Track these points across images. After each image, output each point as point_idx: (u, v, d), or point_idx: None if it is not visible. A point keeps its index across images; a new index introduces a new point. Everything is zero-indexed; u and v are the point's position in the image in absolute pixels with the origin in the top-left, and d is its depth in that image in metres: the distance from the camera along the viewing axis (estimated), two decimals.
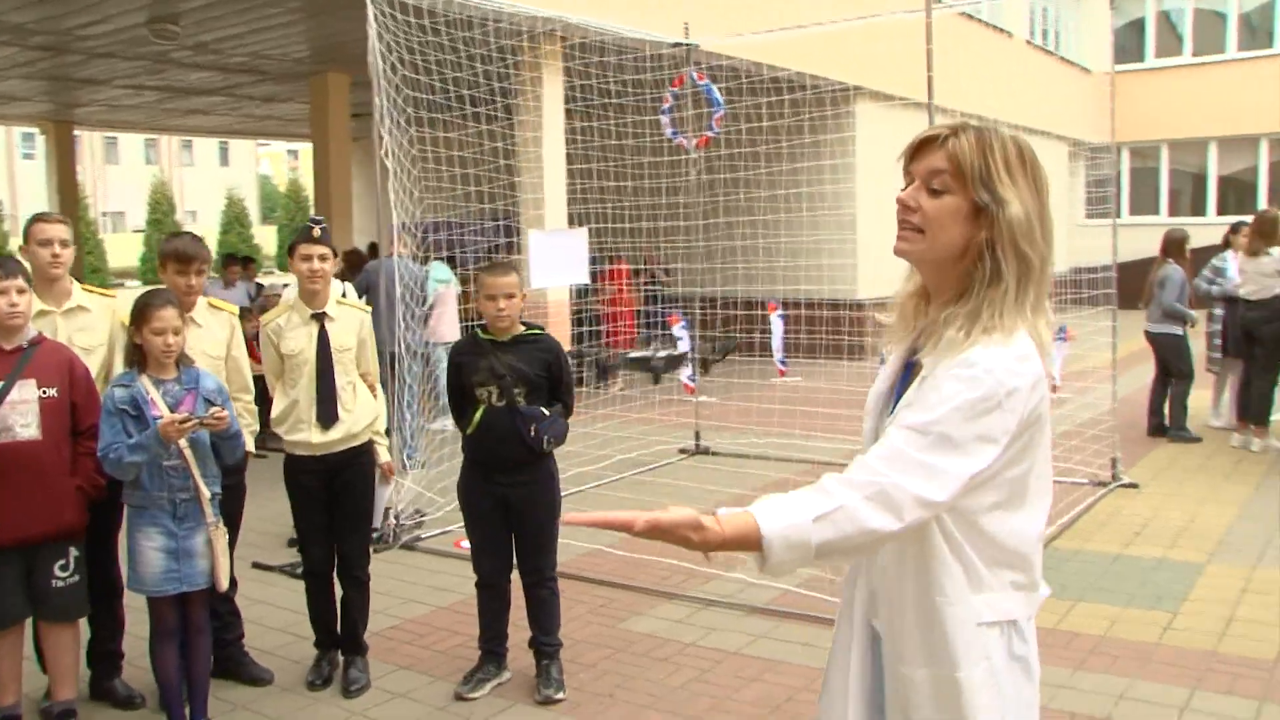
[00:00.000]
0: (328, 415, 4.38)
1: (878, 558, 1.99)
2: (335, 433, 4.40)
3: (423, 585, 5.90)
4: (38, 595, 4.02)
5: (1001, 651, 1.89)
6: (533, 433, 4.29)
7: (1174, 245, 8.85)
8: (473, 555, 4.55)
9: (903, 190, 1.97)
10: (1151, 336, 8.91)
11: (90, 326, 4.40)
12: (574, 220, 10.68)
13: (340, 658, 4.69)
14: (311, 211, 49.76)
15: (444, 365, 10.03)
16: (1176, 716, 4.07)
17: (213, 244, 47.94)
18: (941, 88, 15.29)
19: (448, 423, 9.48)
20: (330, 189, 12.61)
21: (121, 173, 53.81)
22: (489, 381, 4.33)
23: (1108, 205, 8.22)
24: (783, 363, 13.94)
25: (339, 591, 4.68)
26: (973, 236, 1.87)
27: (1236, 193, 21.66)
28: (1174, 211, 21.95)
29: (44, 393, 3.94)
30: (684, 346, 10.34)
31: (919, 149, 1.94)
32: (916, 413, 1.80)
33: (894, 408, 2.00)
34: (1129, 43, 21.41)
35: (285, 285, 13.14)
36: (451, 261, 10.71)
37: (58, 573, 4.02)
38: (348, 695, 4.49)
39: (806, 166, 14.07)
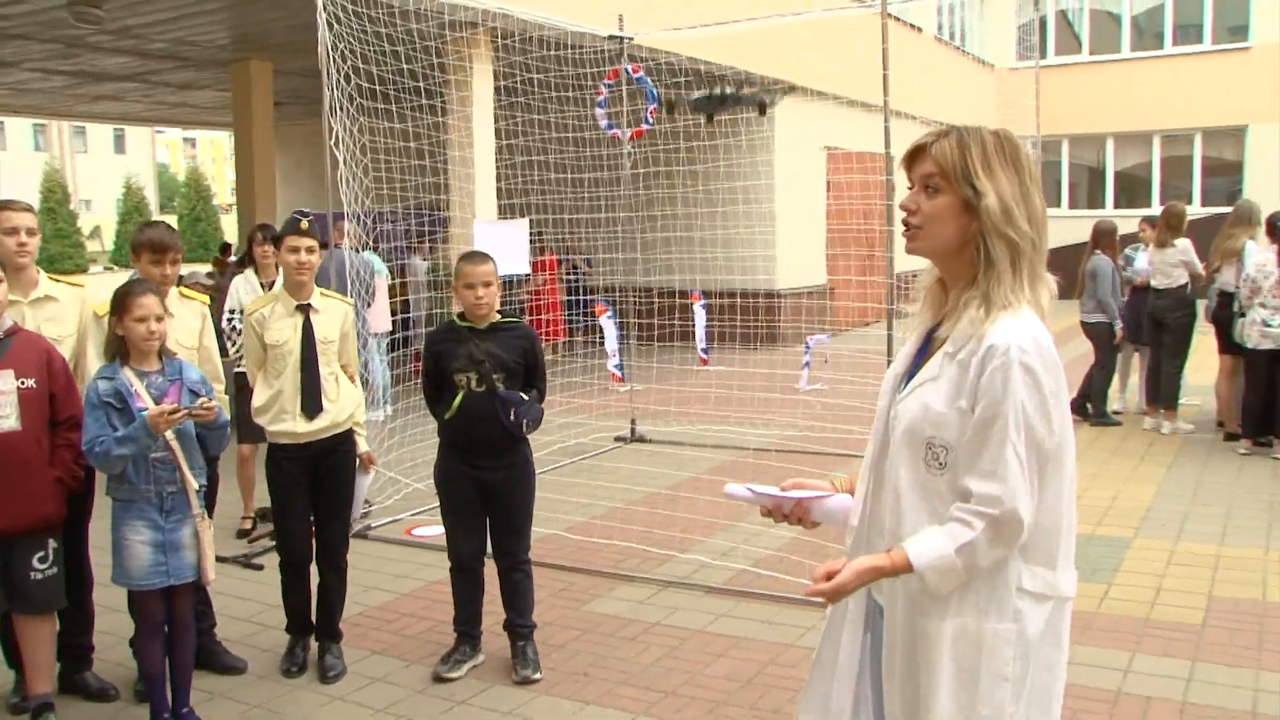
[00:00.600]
0: (312, 406, 4.41)
1: (894, 533, 2.15)
2: (319, 422, 4.44)
3: (381, 573, 5.94)
4: (14, 588, 3.99)
5: (1039, 619, 2.06)
6: (512, 416, 4.39)
7: (1104, 236, 9.26)
8: (449, 539, 4.62)
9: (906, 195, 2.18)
10: (1086, 326, 9.30)
11: (59, 317, 4.37)
12: (504, 211, 10.72)
13: (313, 644, 4.73)
14: (216, 200, 48.54)
15: (374, 355, 10.03)
16: (1121, 678, 4.35)
17: (110, 234, 46.54)
18: (859, 80, 15.63)
19: (378, 414, 9.48)
20: (254, 177, 12.42)
21: (8, 160, 51.76)
22: (468, 368, 4.41)
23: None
24: (704, 351, 14.21)
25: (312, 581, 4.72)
26: (968, 228, 2.08)
27: (1131, 187, 22.60)
28: (1073, 204, 22.79)
29: (22, 383, 3.91)
30: (611, 336, 10.45)
31: (913, 156, 2.15)
32: (983, 411, 2.00)
33: (906, 384, 2.20)
34: (1030, 40, 22.07)
35: (207, 274, 12.93)
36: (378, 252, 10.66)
37: (36, 564, 4.00)
38: (326, 681, 4.53)
39: (729, 160, 14.31)
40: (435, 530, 6.67)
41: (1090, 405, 9.40)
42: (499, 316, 4.51)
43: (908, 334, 2.36)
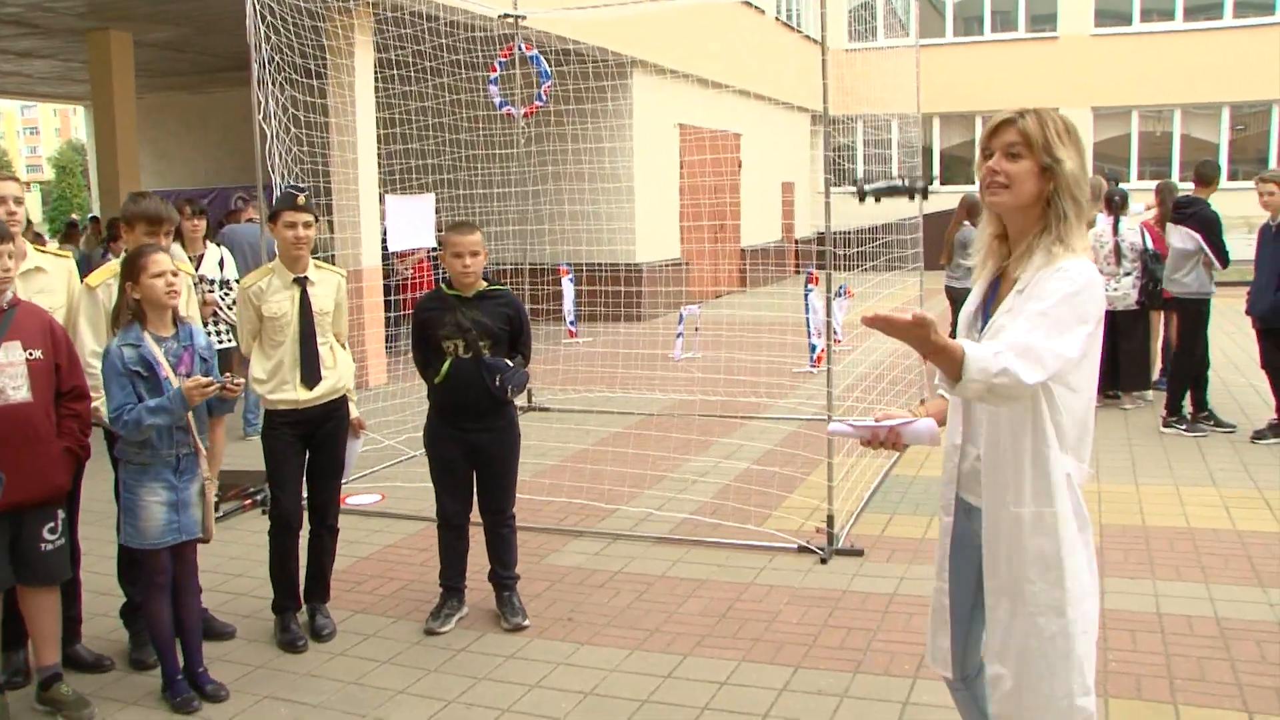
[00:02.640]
0: (311, 376, 4.53)
1: (986, 441, 2.58)
2: (319, 390, 4.57)
3: None
4: (24, 559, 3.99)
5: (1076, 498, 2.56)
6: (498, 382, 4.64)
7: (974, 208, 10.01)
8: (438, 498, 4.83)
9: (986, 161, 2.62)
10: (955, 290, 10.02)
11: (49, 288, 4.37)
12: (387, 186, 10.74)
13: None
14: (18, 171, 45.26)
15: None
16: None
17: None
18: (712, 61, 16.07)
19: None
20: (117, 151, 11.96)
21: None
22: (455, 335, 4.63)
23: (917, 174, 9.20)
24: (573, 325, 14.55)
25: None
26: (1043, 188, 2.55)
27: (953, 165, 24.08)
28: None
29: (30, 354, 3.93)
30: None
31: (997, 129, 2.61)
32: (1034, 304, 2.43)
33: (983, 323, 2.66)
34: (861, 25, 23.12)
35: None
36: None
37: (46, 536, 4.01)
38: (320, 639, 4.68)
39: (592, 136, 14.61)
40: (369, 499, 6.86)
41: None
42: (485, 284, 4.74)
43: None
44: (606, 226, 14.83)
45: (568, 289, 14.53)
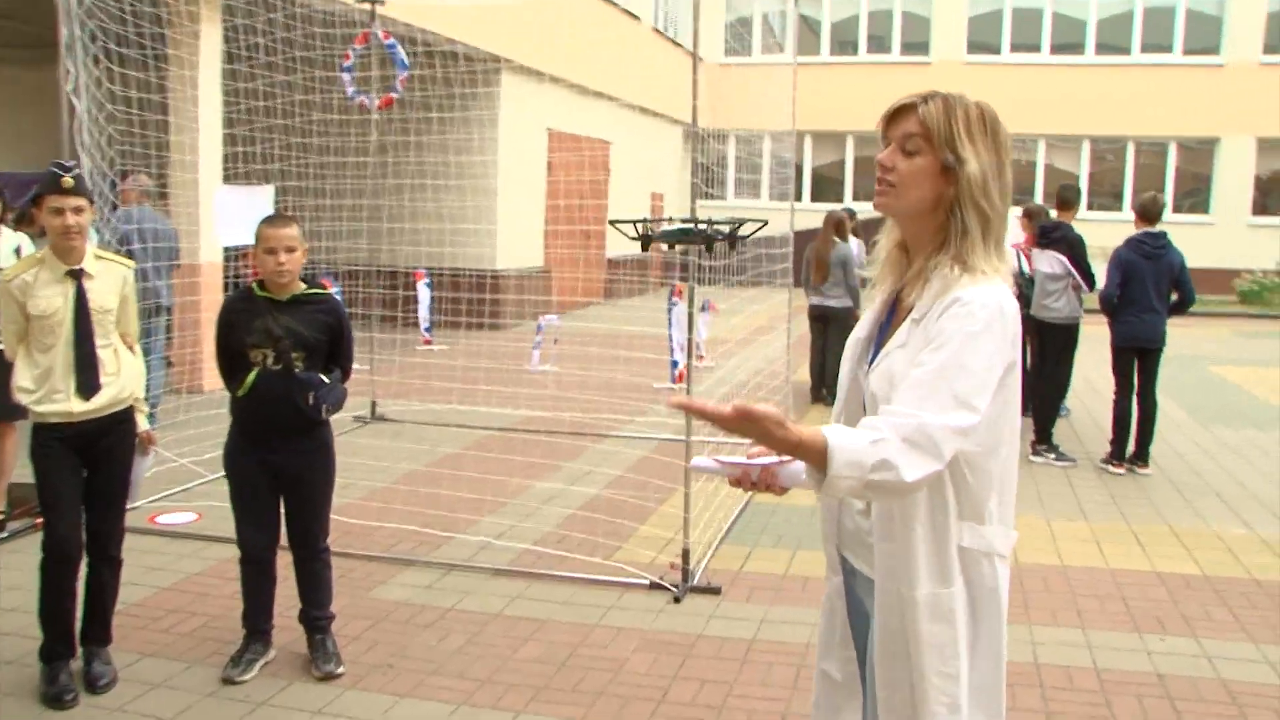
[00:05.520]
0: (89, 385, 3.88)
1: (875, 507, 2.14)
2: (98, 400, 3.92)
3: (132, 566, 5.28)
4: None
5: (980, 573, 2.10)
6: (311, 400, 4.08)
7: (840, 225, 9.84)
8: (238, 529, 4.23)
9: (881, 153, 2.14)
10: (831, 310, 9.86)
11: None
12: (231, 177, 9.98)
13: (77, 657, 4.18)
14: None
15: None
16: None
17: None
18: (581, 65, 15.67)
19: None
20: None
21: None
22: (264, 343, 4.06)
23: (787, 188, 8.93)
24: (428, 331, 13.94)
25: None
26: (942, 192, 2.07)
27: (826, 183, 24.21)
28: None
29: None
30: None
31: (895, 115, 2.13)
32: (930, 353, 1.96)
33: (873, 355, 2.19)
34: (739, 41, 23.02)
35: None
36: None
37: None
38: (95, 691, 4.01)
39: (455, 135, 14.02)
40: (183, 518, 6.20)
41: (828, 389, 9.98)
42: (303, 287, 4.18)
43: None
44: (467, 229, 14.22)
45: (424, 294, 13.91)
